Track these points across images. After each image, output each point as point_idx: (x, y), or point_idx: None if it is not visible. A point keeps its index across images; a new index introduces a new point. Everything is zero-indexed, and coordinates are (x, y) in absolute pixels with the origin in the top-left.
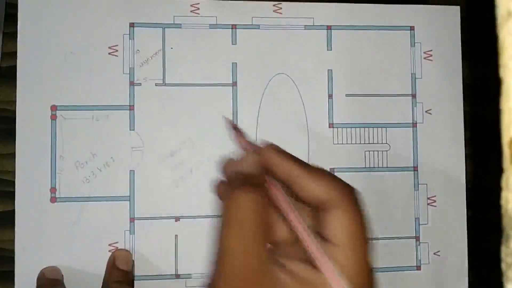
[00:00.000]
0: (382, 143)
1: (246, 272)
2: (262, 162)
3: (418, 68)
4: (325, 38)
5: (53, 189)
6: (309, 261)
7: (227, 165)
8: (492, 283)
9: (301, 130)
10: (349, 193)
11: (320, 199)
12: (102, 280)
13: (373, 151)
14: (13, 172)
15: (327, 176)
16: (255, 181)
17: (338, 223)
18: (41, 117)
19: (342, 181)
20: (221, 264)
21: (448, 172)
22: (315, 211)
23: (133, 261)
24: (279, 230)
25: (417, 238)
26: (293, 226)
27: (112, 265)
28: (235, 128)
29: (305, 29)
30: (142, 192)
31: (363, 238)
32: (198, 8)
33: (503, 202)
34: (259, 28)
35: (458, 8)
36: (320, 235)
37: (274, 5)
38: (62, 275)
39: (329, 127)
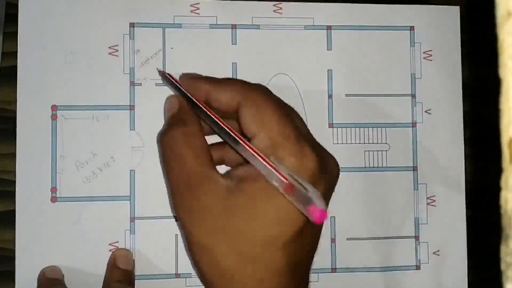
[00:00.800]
0: (381, 143)
1: (191, 192)
2: (184, 95)
3: (417, 68)
4: (325, 38)
5: (53, 189)
6: (244, 160)
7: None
8: (491, 283)
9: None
10: (250, 90)
11: (230, 105)
12: (102, 280)
13: (373, 151)
14: (13, 172)
15: (232, 82)
16: (180, 117)
17: (245, 118)
18: (42, 117)
19: (245, 83)
20: (172, 194)
21: (448, 172)
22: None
23: (134, 260)
24: (219, 149)
25: (416, 238)
26: (223, 136)
27: (112, 264)
28: (165, 77)
29: (305, 29)
30: (142, 192)
31: (277, 120)
32: (198, 8)
33: (502, 202)
34: (259, 28)
35: (458, 8)
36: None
37: (274, 5)
38: (63, 275)
39: (329, 127)
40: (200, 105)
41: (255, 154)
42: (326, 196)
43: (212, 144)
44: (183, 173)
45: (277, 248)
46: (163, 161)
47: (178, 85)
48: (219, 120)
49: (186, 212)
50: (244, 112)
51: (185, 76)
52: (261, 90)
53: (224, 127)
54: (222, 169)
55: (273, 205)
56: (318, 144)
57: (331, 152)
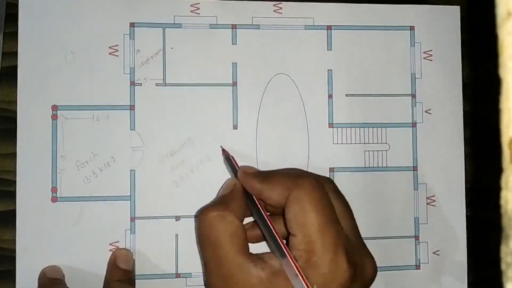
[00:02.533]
0: (381, 143)
1: (223, 278)
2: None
3: (418, 68)
4: (325, 38)
5: (54, 189)
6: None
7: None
8: (491, 283)
9: (301, 130)
10: (297, 186)
11: (279, 202)
12: (103, 280)
13: (373, 151)
14: (14, 172)
15: (280, 178)
16: (226, 199)
17: (289, 216)
18: (42, 117)
19: (294, 177)
20: (206, 271)
21: (448, 172)
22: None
23: (134, 260)
24: (256, 236)
25: (416, 238)
26: (263, 229)
27: (113, 264)
28: (228, 158)
29: (305, 29)
30: (142, 191)
31: (319, 223)
32: (198, 8)
33: (502, 201)
34: (259, 28)
35: (458, 8)
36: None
37: (274, 5)
38: (63, 274)
39: (329, 127)
40: (256, 202)
41: (298, 272)
42: None
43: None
44: (216, 257)
45: None
46: (198, 238)
47: (234, 171)
48: (272, 225)
49: None
50: (288, 209)
51: (242, 169)
52: (310, 186)
53: (273, 233)
54: None
55: None
56: (358, 245)
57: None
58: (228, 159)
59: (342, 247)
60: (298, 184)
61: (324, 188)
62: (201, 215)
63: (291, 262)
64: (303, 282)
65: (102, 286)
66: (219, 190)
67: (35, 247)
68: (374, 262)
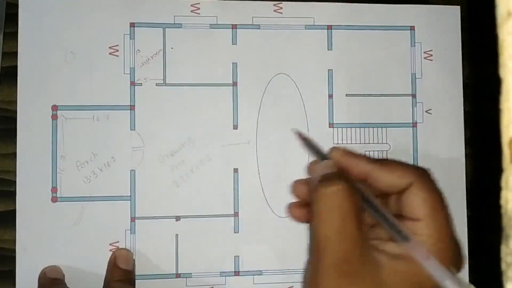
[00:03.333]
0: (382, 143)
1: (345, 256)
2: (336, 164)
3: (418, 68)
4: (325, 38)
5: (54, 189)
6: (395, 239)
7: (309, 169)
8: (492, 283)
9: (301, 130)
10: (422, 174)
11: (396, 186)
12: (103, 279)
13: (373, 151)
14: (14, 172)
15: (398, 163)
16: (338, 176)
17: (416, 200)
18: (42, 117)
19: (413, 165)
20: (320, 253)
21: (448, 172)
22: (390, 198)
23: (134, 260)
24: (366, 216)
25: None
26: (376, 210)
27: (113, 264)
28: (305, 139)
29: (305, 29)
30: (142, 191)
31: (443, 211)
32: (199, 8)
33: (502, 201)
34: (259, 28)
35: (458, 8)
36: (400, 216)
37: (274, 5)
38: (63, 274)
39: (329, 127)
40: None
41: (426, 256)
42: None
43: None
44: (340, 231)
45: None
46: (316, 215)
47: (320, 152)
48: (385, 210)
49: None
50: (414, 193)
51: (340, 150)
52: (431, 175)
53: (390, 216)
54: None
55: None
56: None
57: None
58: (308, 141)
59: (456, 238)
60: (423, 173)
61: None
62: (322, 189)
63: (419, 244)
64: (436, 262)
65: (102, 286)
66: (291, 186)
67: (35, 247)
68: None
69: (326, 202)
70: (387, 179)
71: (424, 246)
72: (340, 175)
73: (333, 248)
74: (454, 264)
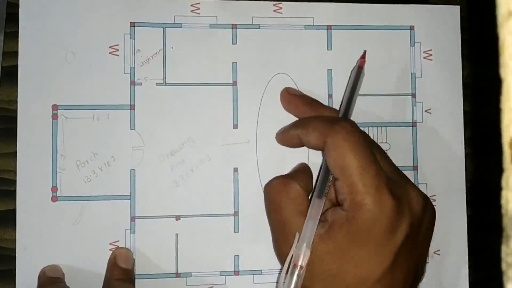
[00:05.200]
0: (382, 143)
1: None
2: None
3: (418, 67)
4: (325, 38)
5: (54, 188)
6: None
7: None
8: (492, 283)
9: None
10: (333, 132)
11: (319, 148)
12: (102, 279)
13: None
14: (14, 171)
15: (317, 123)
16: (292, 172)
17: (330, 161)
18: (42, 116)
19: (331, 120)
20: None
21: (448, 172)
22: None
23: (134, 259)
24: None
25: None
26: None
27: (113, 263)
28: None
29: (305, 29)
30: (142, 191)
31: (360, 167)
32: (199, 8)
33: (503, 201)
34: (259, 28)
35: (458, 7)
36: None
37: (274, 5)
38: (63, 274)
39: None
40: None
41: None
42: (413, 232)
43: None
44: (279, 220)
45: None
46: (265, 206)
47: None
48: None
49: (282, 258)
50: (327, 155)
51: (286, 88)
52: (345, 131)
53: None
54: None
55: (360, 249)
56: (402, 180)
57: None
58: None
59: (384, 184)
60: (334, 130)
61: (360, 131)
62: (267, 184)
63: (316, 205)
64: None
65: (102, 285)
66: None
67: (35, 246)
68: (421, 194)
69: (269, 194)
70: (309, 141)
71: (342, 206)
72: (290, 173)
73: (278, 232)
74: (389, 209)
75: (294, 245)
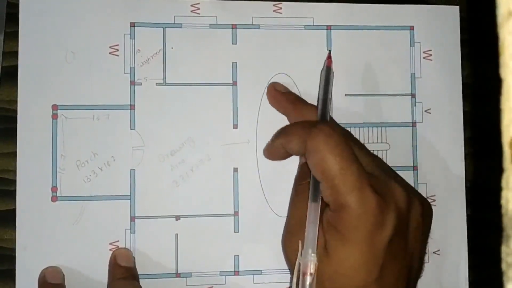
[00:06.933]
0: (381, 143)
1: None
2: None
3: (417, 67)
4: (325, 38)
5: (54, 188)
6: None
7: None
8: (492, 283)
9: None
10: (311, 136)
11: (302, 153)
12: (102, 279)
13: (373, 150)
14: (14, 171)
15: (297, 130)
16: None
17: (312, 166)
18: (42, 116)
19: (309, 124)
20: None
21: (448, 172)
22: None
23: (134, 257)
24: None
25: None
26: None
27: (114, 263)
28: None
29: (305, 29)
30: (142, 191)
31: (337, 166)
32: (199, 8)
33: (503, 201)
34: (259, 28)
35: (457, 8)
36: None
37: (274, 5)
38: (63, 275)
39: None
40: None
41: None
42: (401, 228)
43: None
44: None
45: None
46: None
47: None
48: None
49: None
50: (308, 159)
51: (273, 84)
52: (323, 133)
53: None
54: None
55: (351, 249)
56: (386, 177)
57: None
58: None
59: (366, 182)
60: (313, 133)
61: (339, 132)
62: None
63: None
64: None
65: (106, 287)
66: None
67: (35, 246)
68: (404, 188)
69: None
70: (292, 148)
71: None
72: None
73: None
74: (373, 206)
75: (299, 254)
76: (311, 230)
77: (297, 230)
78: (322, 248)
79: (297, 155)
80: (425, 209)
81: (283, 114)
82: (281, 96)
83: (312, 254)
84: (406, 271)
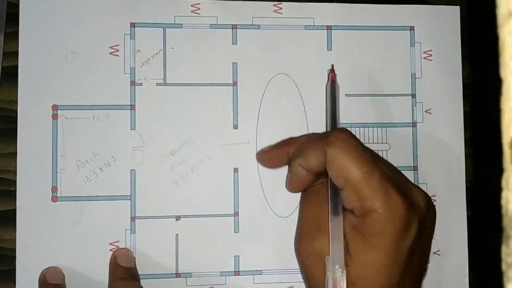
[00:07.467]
0: (382, 143)
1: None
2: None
3: (418, 68)
4: (325, 38)
5: (54, 189)
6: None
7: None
8: (492, 283)
9: (301, 130)
10: (328, 145)
11: (323, 166)
12: (103, 279)
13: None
14: (14, 172)
15: (310, 144)
16: None
17: (333, 175)
18: (43, 116)
19: (324, 135)
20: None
21: (448, 172)
22: None
23: (135, 258)
24: None
25: None
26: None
27: (114, 264)
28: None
29: (305, 29)
30: (143, 191)
31: (359, 171)
32: (199, 8)
33: (503, 202)
34: (259, 28)
35: (458, 8)
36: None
37: (274, 5)
38: (64, 276)
39: None
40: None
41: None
42: (421, 230)
43: None
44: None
45: None
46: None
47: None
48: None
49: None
50: (329, 169)
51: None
52: (339, 140)
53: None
54: None
55: (377, 254)
56: (403, 179)
57: None
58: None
59: (391, 185)
60: (329, 143)
61: (354, 136)
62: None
63: (337, 223)
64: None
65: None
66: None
67: (35, 247)
68: (422, 191)
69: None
70: (312, 165)
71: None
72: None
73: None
74: (400, 209)
75: (328, 271)
76: (337, 246)
77: (309, 232)
78: (344, 250)
79: (318, 171)
80: (435, 212)
81: (291, 160)
82: (272, 152)
83: (340, 270)
84: (422, 272)
